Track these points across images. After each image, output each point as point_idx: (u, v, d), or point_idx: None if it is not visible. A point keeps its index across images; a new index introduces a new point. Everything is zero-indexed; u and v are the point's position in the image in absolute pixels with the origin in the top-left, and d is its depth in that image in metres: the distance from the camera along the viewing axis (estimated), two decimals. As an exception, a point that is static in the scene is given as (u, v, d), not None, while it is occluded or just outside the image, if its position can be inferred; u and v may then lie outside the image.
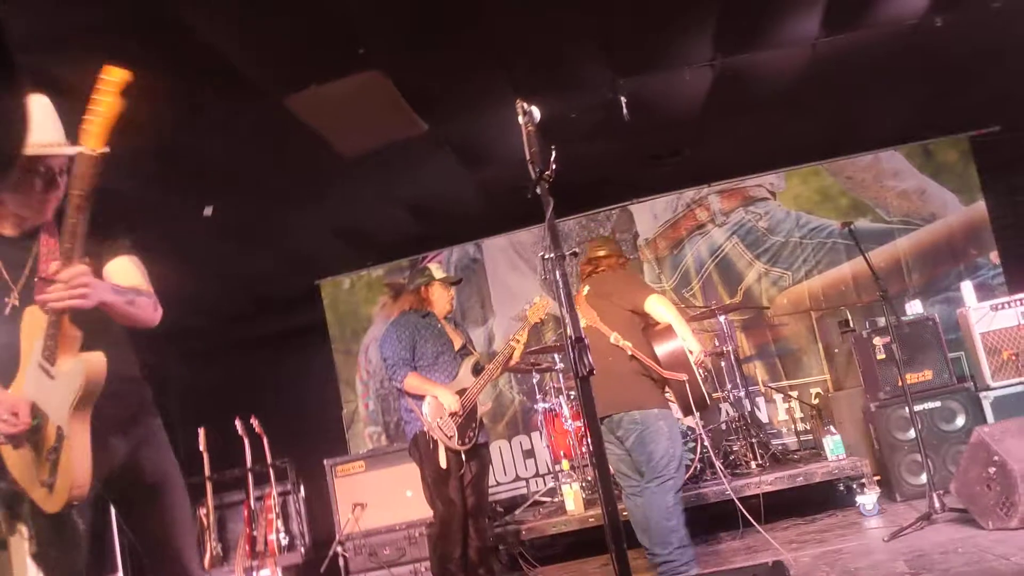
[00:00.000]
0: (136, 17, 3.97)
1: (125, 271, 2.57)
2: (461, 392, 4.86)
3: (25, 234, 2.52)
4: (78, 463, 2.31)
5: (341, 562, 6.17)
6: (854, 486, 5.46)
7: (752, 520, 4.66)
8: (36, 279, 2.40)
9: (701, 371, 4.43)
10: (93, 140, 2.22)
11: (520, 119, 2.49)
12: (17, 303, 2.46)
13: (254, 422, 7.14)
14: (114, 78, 2.23)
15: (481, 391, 4.91)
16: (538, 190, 2.33)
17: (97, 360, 2.33)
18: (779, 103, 6.29)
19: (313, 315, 8.56)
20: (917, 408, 5.35)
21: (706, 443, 5.67)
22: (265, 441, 7.20)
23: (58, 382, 2.33)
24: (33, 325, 2.38)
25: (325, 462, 6.51)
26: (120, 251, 2.61)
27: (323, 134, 5.41)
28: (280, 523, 7.03)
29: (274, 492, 7.12)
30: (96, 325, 2.38)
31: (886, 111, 7.00)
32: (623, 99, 5.60)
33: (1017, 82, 6.61)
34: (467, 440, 4.80)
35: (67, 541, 2.45)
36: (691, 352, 4.29)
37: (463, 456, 4.80)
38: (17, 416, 2.34)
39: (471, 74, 5.16)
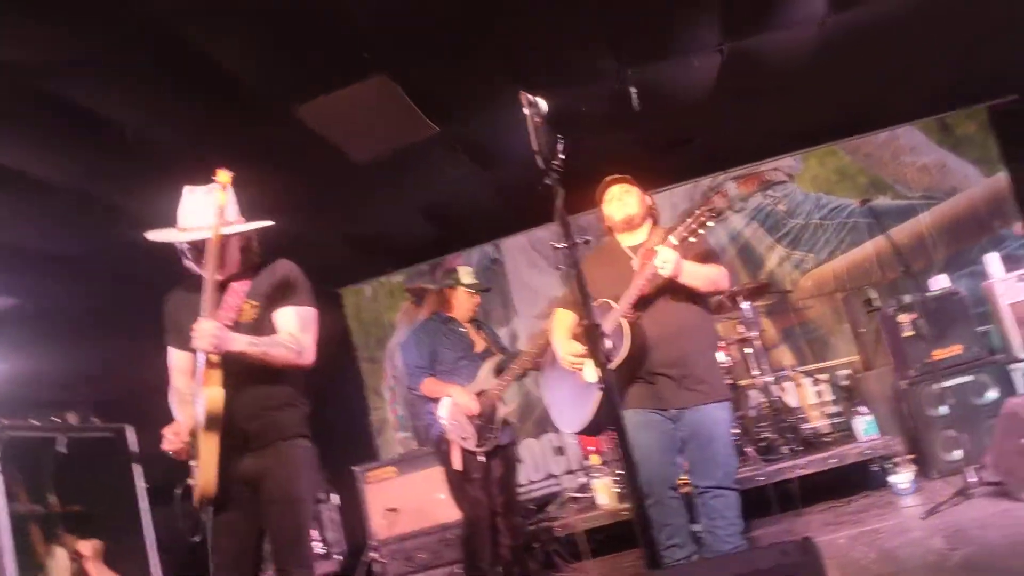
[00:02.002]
0: (143, 37, 4.01)
1: (285, 319, 3.26)
2: (480, 394, 4.86)
3: (223, 282, 3.23)
4: (206, 471, 2.96)
5: (377, 568, 6.18)
6: (888, 465, 5.41)
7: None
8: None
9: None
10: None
11: (526, 111, 2.49)
12: None
13: (284, 433, 7.18)
14: (220, 179, 3.11)
15: (502, 393, 4.91)
16: (547, 181, 2.33)
17: (215, 395, 2.96)
18: (791, 85, 6.23)
19: (336, 324, 8.59)
20: (948, 383, 5.30)
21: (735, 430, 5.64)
22: (296, 452, 7.23)
23: (200, 408, 3.01)
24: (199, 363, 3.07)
25: (355, 469, 6.53)
26: (288, 302, 3.28)
27: (334, 142, 5.43)
28: (315, 532, 7.06)
29: (307, 502, 7.13)
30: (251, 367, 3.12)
31: (900, 86, 6.91)
32: (632, 89, 5.58)
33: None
34: (484, 442, 4.78)
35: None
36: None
37: (480, 458, 4.79)
38: (177, 436, 3.11)
39: (478, 72, 5.17)
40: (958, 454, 5.08)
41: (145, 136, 4.77)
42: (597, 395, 3.64)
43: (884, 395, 6.11)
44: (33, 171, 4.83)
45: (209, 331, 2.95)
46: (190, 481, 3.08)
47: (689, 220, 3.53)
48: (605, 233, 4.20)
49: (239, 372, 3.07)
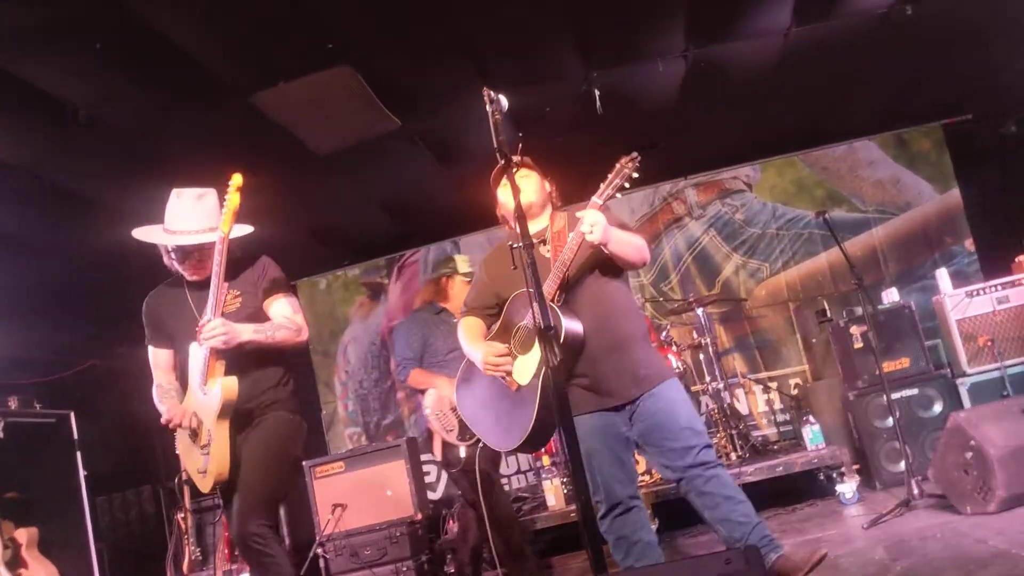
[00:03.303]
0: (101, 17, 3.92)
1: (279, 307, 3.53)
2: None
3: (203, 282, 3.42)
4: (221, 456, 3.24)
5: (322, 563, 6.10)
6: (834, 475, 5.47)
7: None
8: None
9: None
10: (222, 227, 3.24)
11: (487, 107, 2.46)
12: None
13: (232, 425, 7.10)
14: (233, 183, 3.27)
15: None
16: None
17: (231, 383, 3.24)
18: (753, 94, 6.29)
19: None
20: (895, 396, 5.37)
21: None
22: (244, 444, 7.15)
23: (208, 398, 3.26)
24: (195, 357, 3.32)
25: (304, 463, 6.44)
26: (278, 293, 3.55)
27: (294, 131, 5.36)
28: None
29: (253, 495, 7.05)
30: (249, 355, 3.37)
31: (860, 101, 7.02)
32: (597, 92, 5.59)
33: (987, 70, 6.65)
34: (468, 436, 4.69)
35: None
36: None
37: (462, 451, 4.67)
38: (176, 415, 3.41)
39: (443, 69, 5.14)
40: (902, 466, 5.15)
41: (101, 118, 4.66)
42: (533, 401, 3.16)
43: (832, 405, 6.18)
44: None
45: (218, 329, 3.18)
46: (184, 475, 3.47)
47: (611, 176, 3.17)
48: (501, 222, 3.75)
49: (239, 360, 3.33)
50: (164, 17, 4.07)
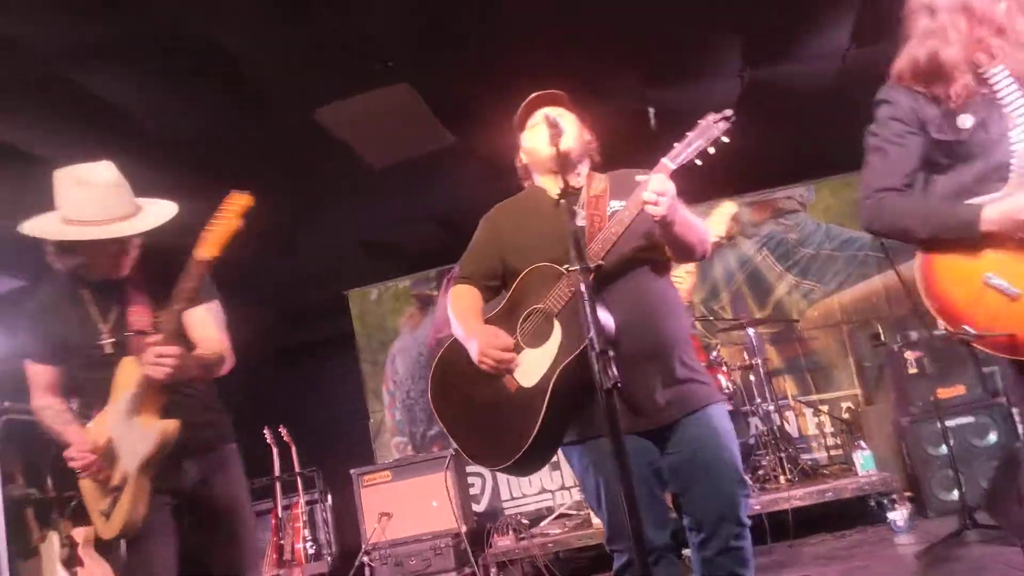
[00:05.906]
0: (162, 32, 4.05)
1: (203, 322, 2.81)
2: None
3: (108, 282, 2.78)
4: (135, 507, 2.61)
5: (367, 572, 6.18)
6: (885, 502, 5.39)
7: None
8: (130, 332, 2.73)
9: None
10: (208, 249, 2.51)
11: (546, 131, 2.49)
12: (110, 347, 2.75)
13: (283, 431, 7.24)
14: (240, 203, 2.56)
15: None
16: (562, 202, 2.31)
17: (171, 428, 2.58)
18: (809, 114, 6.25)
19: (340, 325, 8.61)
20: (949, 423, 5.27)
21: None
22: (293, 450, 7.29)
23: (135, 435, 2.60)
24: (129, 374, 2.64)
25: (352, 472, 6.53)
26: (201, 300, 2.77)
27: (351, 146, 5.45)
28: (307, 532, 7.07)
29: (302, 501, 7.18)
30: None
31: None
32: (651, 109, 5.60)
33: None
34: None
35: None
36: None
37: None
38: (94, 451, 2.69)
39: (496, 83, 5.18)
40: (955, 494, 5.06)
41: (162, 131, 4.80)
42: (537, 409, 2.43)
43: (884, 431, 6.09)
44: (42, 152, 4.84)
45: (169, 359, 2.51)
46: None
47: (692, 134, 2.52)
48: (522, 176, 3.11)
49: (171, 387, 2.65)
50: (228, 37, 4.19)
